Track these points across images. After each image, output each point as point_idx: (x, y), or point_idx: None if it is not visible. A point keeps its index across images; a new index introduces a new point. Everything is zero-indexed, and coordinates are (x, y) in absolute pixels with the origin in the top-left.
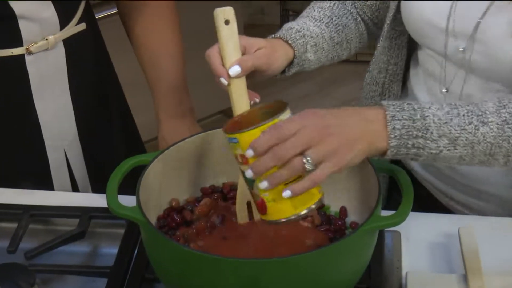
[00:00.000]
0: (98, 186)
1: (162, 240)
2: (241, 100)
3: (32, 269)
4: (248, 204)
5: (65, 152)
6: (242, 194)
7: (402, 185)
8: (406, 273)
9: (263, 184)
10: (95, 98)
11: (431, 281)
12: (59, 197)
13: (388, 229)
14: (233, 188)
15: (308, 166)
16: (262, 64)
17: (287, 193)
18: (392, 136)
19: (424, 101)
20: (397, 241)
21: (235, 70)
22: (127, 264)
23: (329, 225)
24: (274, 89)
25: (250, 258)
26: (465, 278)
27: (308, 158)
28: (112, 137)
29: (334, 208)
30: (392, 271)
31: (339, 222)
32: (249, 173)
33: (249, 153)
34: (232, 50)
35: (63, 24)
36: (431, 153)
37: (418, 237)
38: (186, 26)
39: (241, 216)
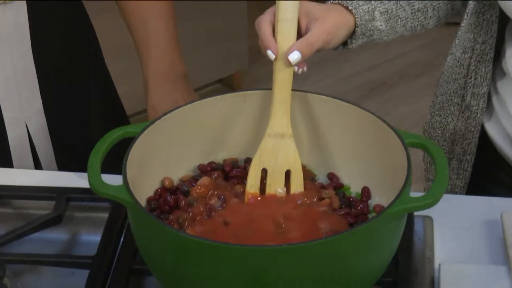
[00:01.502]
0: (66, 167)
1: (154, 225)
2: (285, 80)
3: (1, 259)
4: (262, 177)
5: (26, 127)
6: (259, 159)
7: (436, 161)
8: (439, 265)
9: None
10: (65, 63)
11: (469, 274)
12: (30, 176)
13: (419, 213)
14: (235, 165)
15: None
16: (322, 43)
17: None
18: None
19: None
20: (428, 228)
21: (295, 57)
22: (111, 253)
23: (349, 209)
24: None
25: (257, 245)
26: (508, 271)
27: None
28: (87, 110)
29: (355, 188)
30: (423, 262)
31: (361, 205)
32: None
33: None
34: (291, 28)
35: None
36: None
37: (454, 223)
38: None
39: (252, 184)
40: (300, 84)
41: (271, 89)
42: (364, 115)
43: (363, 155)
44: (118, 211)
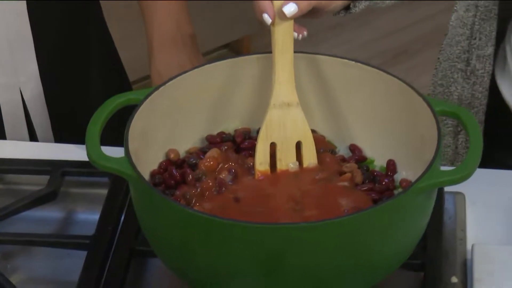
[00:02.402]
0: (63, 139)
1: (159, 201)
2: (286, 43)
3: None
4: (272, 154)
5: (21, 92)
6: (266, 133)
7: (469, 131)
8: (472, 246)
9: None
10: (64, 25)
11: (504, 256)
12: (22, 147)
13: (450, 190)
14: (247, 136)
15: None
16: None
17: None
18: None
19: None
20: (460, 206)
21: (291, 9)
22: (111, 233)
23: (373, 184)
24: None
25: (272, 223)
26: None
27: None
28: (87, 76)
29: (379, 161)
30: (454, 243)
31: (386, 180)
32: None
33: None
34: None
35: None
36: None
37: (488, 200)
38: None
39: (261, 161)
40: (315, 50)
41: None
42: (390, 80)
43: (389, 126)
44: (119, 186)
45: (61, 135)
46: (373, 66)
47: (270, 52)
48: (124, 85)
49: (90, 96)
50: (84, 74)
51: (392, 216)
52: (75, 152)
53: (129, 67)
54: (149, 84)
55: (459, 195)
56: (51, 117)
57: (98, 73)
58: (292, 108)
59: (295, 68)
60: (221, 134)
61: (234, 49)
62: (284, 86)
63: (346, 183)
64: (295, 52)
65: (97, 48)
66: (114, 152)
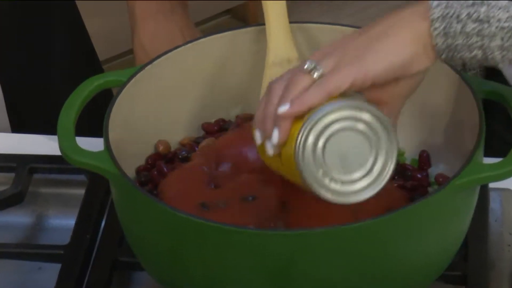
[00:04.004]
0: (23, 128)
1: (146, 203)
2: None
3: None
4: None
5: None
6: None
7: None
8: None
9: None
10: None
11: None
12: None
13: (496, 186)
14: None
15: (315, 74)
16: None
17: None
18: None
19: None
20: (508, 205)
21: None
22: (89, 242)
23: (404, 179)
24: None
25: (280, 230)
26: None
27: (316, 65)
28: (49, 53)
29: (410, 154)
30: (502, 250)
31: (419, 175)
32: None
33: None
34: None
35: None
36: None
37: None
38: None
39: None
40: (334, 16)
41: (294, 22)
42: None
43: (421, 111)
44: (98, 185)
45: (18, 125)
46: None
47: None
48: (93, 63)
49: (52, 78)
50: (45, 50)
51: (425, 219)
52: (44, 145)
53: (99, 42)
54: (124, 64)
55: (507, 192)
56: (7, 103)
57: (60, 49)
58: (294, 64)
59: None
60: (219, 121)
61: (238, 15)
62: (282, 41)
63: None
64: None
65: (59, 20)
66: (91, 144)
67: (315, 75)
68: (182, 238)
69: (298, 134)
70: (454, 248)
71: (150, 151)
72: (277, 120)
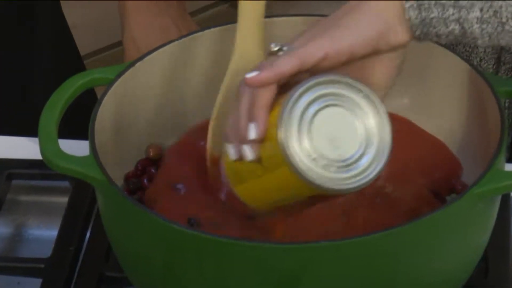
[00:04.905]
0: (0, 130)
1: (136, 213)
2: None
3: None
4: None
5: None
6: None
7: None
8: None
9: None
10: None
11: None
12: None
13: None
14: None
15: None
16: None
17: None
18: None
19: None
20: None
21: None
22: (73, 255)
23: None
24: None
25: (282, 242)
26: None
27: (281, 46)
28: (30, 50)
29: None
30: None
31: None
32: None
33: None
34: None
35: None
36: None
37: None
38: None
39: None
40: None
41: (297, 15)
42: (435, 50)
43: (435, 111)
44: (83, 193)
45: None
46: None
47: (285, 15)
48: (74, 59)
49: (32, 76)
50: (25, 48)
51: (442, 230)
52: (23, 149)
53: (80, 36)
54: (106, 59)
55: None
56: None
57: (42, 44)
58: None
59: None
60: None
61: (237, 4)
62: (251, 45)
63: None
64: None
65: (42, 17)
66: (76, 148)
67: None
68: (177, 252)
69: (280, 117)
70: (472, 262)
71: (140, 156)
72: (252, 114)
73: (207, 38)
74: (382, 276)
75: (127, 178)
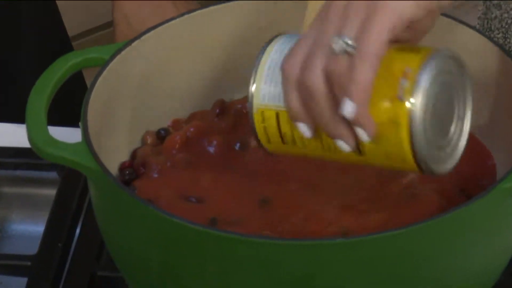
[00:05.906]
0: None
1: (132, 205)
2: None
3: None
4: None
5: None
6: None
7: None
8: None
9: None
10: None
11: None
12: None
13: None
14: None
15: (348, 46)
16: None
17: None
18: None
19: None
20: None
21: None
22: (62, 252)
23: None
24: None
25: (293, 239)
26: None
27: (340, 38)
28: (15, 31)
29: None
30: None
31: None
32: None
33: None
34: None
35: None
36: None
37: None
38: None
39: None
40: None
41: None
42: (466, 33)
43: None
44: (73, 184)
45: None
46: (444, 15)
47: None
48: (62, 39)
49: (18, 58)
50: (9, 28)
51: (467, 229)
52: (9, 135)
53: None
54: (97, 40)
55: None
56: None
57: (28, 25)
58: None
59: None
60: (219, 104)
61: None
62: None
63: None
64: None
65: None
66: (66, 135)
67: (349, 49)
68: (178, 249)
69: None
70: (500, 265)
71: (136, 144)
72: (355, 116)
73: (209, 17)
74: (401, 277)
75: (121, 168)
